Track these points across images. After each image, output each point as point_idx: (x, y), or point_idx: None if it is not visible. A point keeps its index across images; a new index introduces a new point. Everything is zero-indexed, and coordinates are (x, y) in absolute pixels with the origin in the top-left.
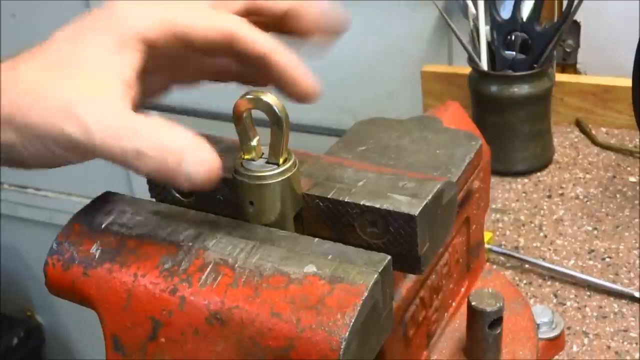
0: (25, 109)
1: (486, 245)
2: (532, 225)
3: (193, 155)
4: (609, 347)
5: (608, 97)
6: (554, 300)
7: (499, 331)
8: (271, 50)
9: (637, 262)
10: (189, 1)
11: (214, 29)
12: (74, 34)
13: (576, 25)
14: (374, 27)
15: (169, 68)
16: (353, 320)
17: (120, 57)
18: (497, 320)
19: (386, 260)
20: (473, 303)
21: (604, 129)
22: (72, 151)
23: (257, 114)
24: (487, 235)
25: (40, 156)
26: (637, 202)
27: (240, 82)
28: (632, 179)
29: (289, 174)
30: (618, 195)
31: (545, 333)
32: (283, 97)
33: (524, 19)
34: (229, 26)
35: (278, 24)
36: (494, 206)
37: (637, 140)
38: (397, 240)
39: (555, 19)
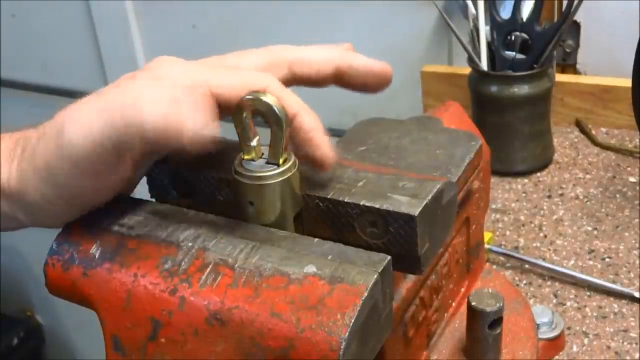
0: (33, 153)
1: (486, 246)
2: (532, 225)
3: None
4: (609, 347)
5: (608, 97)
6: (554, 301)
7: (498, 331)
8: (298, 112)
9: (637, 262)
10: (233, 60)
11: (247, 89)
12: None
13: (576, 26)
14: (374, 27)
15: None
16: (353, 321)
17: None
18: (497, 321)
19: (386, 261)
20: (473, 303)
21: (604, 129)
22: (78, 165)
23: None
24: (487, 236)
25: (61, 203)
26: (637, 202)
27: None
28: (632, 179)
29: (289, 174)
30: (618, 196)
31: (545, 333)
32: (298, 158)
33: (524, 19)
34: (262, 85)
35: (325, 82)
36: (494, 206)
37: (637, 140)
38: (397, 240)
39: (555, 19)
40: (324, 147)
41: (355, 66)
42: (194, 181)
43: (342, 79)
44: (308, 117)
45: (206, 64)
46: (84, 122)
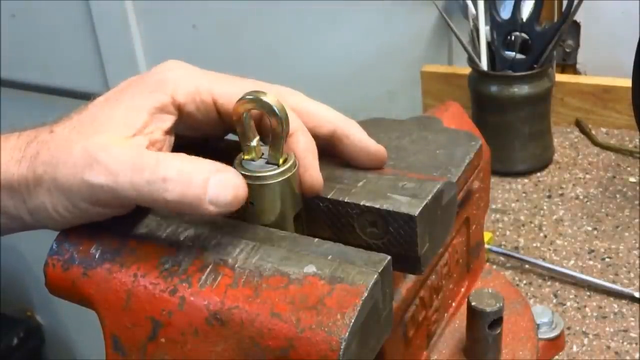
0: (54, 166)
1: (486, 246)
2: (532, 225)
3: (218, 178)
4: (608, 347)
5: (608, 97)
6: (554, 301)
7: (498, 331)
8: (294, 133)
9: (637, 262)
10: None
11: None
12: (112, 98)
13: (576, 26)
14: (374, 27)
15: (205, 126)
16: (353, 321)
17: (150, 120)
18: (497, 321)
19: (386, 261)
20: (473, 303)
21: (603, 129)
22: (98, 203)
23: None
24: (487, 236)
25: (69, 216)
26: (637, 202)
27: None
28: (632, 179)
29: (289, 174)
30: (618, 196)
31: (545, 333)
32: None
33: (524, 19)
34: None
35: (316, 139)
36: (493, 206)
37: (637, 140)
38: (397, 240)
39: (555, 19)
40: (313, 171)
41: (352, 138)
42: None
43: (335, 145)
44: (304, 138)
45: (212, 73)
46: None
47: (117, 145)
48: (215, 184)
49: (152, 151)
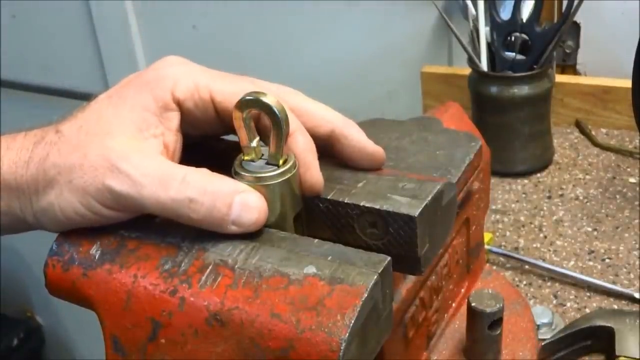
0: (68, 168)
1: (486, 246)
2: (532, 226)
3: (242, 200)
4: None
5: (608, 97)
6: (554, 301)
7: (498, 332)
8: (293, 133)
9: (637, 263)
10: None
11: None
12: (114, 95)
13: (576, 26)
14: (374, 27)
15: (204, 124)
16: (353, 322)
17: (157, 120)
18: (497, 321)
19: (386, 261)
20: (473, 304)
21: (603, 130)
22: (114, 207)
23: None
24: (487, 236)
25: (76, 219)
26: (637, 203)
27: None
28: (632, 179)
29: (289, 174)
30: (618, 196)
31: (546, 334)
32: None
33: (524, 20)
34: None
35: (315, 140)
36: (494, 207)
37: (637, 141)
38: (397, 241)
39: (555, 20)
40: (314, 170)
41: (350, 139)
42: None
43: (333, 145)
44: (302, 138)
45: (211, 70)
46: None
47: (135, 153)
48: (238, 206)
49: (175, 164)
